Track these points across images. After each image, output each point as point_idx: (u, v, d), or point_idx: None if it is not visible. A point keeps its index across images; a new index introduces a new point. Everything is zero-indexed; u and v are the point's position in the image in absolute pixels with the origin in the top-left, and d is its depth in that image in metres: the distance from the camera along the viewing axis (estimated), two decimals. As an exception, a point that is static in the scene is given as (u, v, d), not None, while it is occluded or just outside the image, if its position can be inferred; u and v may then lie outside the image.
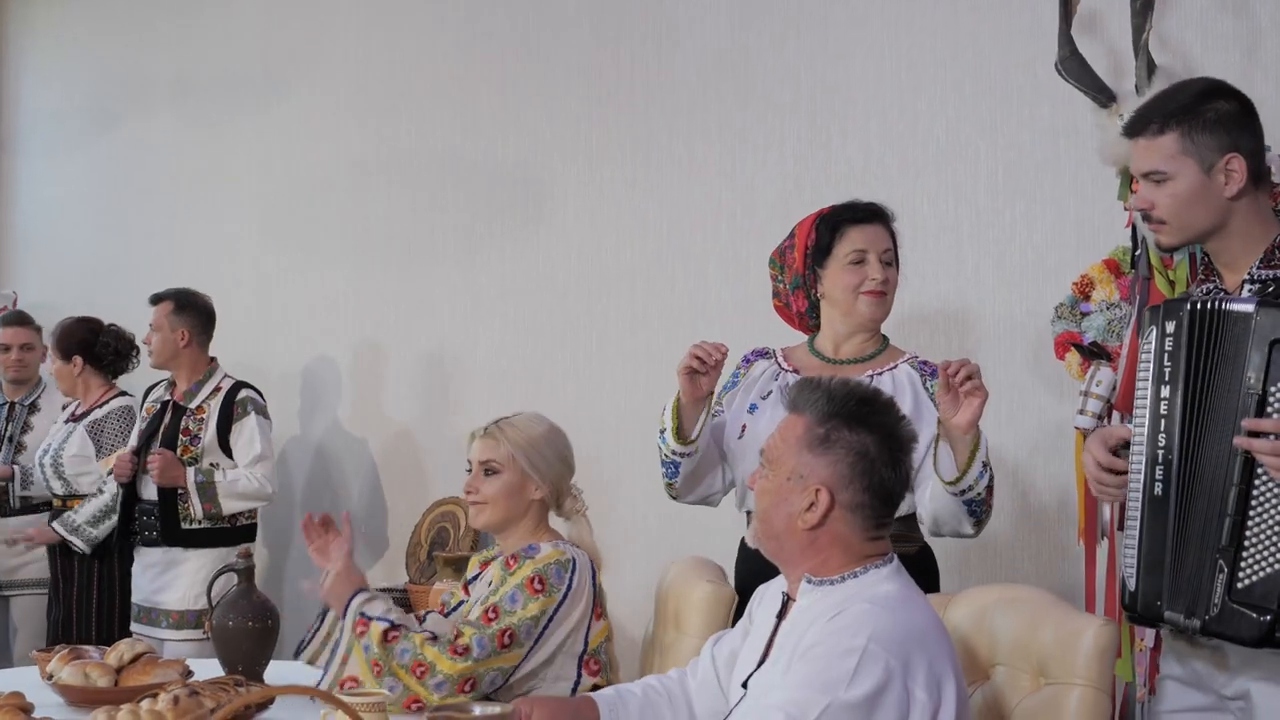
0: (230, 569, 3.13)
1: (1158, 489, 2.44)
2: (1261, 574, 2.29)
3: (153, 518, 4.73)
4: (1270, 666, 2.37)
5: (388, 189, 5.60)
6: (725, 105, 4.69)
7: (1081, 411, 3.38)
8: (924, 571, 3.03)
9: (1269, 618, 2.27)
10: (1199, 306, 2.41)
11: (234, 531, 4.77)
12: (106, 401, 5.19)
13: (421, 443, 5.48)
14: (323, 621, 3.00)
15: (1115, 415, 3.37)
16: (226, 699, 2.30)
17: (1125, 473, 2.54)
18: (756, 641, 2.31)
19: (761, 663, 2.25)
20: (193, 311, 4.85)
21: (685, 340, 4.69)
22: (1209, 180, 2.44)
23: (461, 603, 3.14)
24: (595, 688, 2.97)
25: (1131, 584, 2.48)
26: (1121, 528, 3.33)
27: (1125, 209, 3.39)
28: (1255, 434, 2.28)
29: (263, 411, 4.83)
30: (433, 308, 5.45)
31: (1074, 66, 3.36)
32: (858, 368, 3.12)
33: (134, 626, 4.80)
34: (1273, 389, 2.28)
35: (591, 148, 5.01)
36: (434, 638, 2.84)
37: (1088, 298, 3.58)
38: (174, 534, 4.70)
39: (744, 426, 3.16)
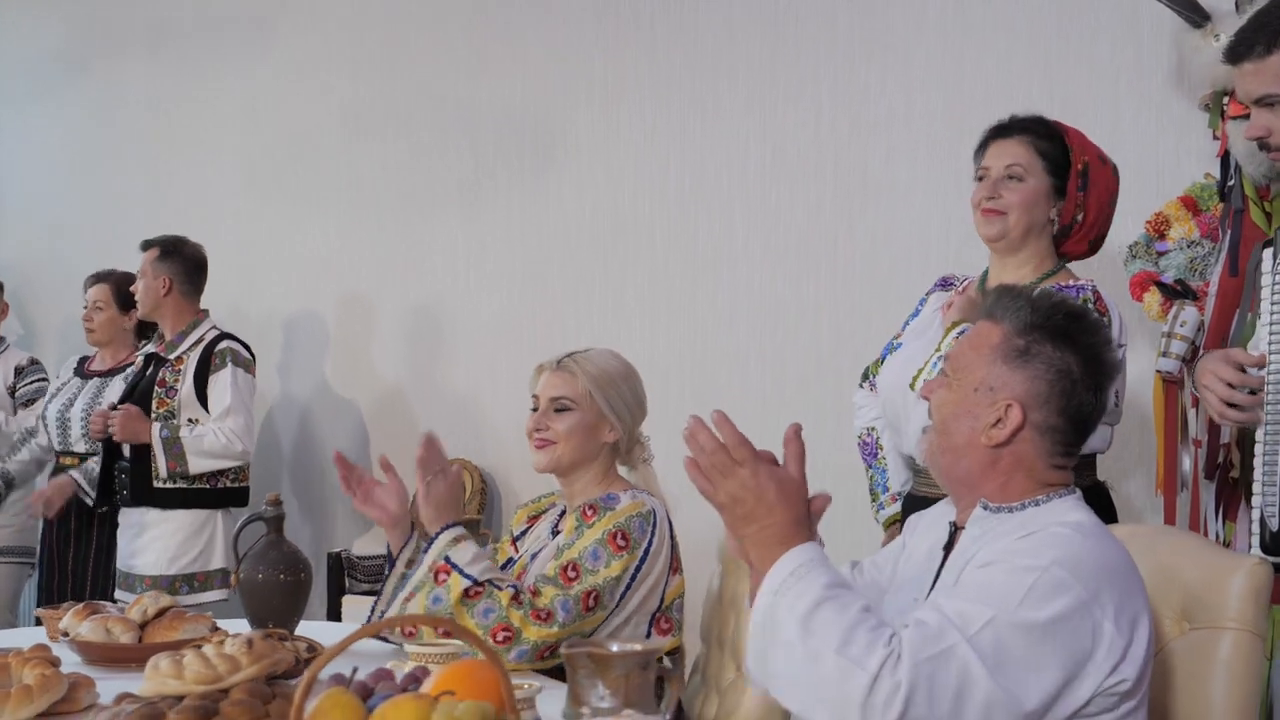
0: (258, 517, 2.86)
1: (1300, 415, 2.25)
2: None
3: (125, 476, 4.48)
4: None
5: (382, 136, 5.31)
6: (753, 43, 4.44)
7: (1164, 354, 3.17)
8: (1100, 509, 2.79)
9: None
10: None
11: (213, 494, 4.51)
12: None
13: (416, 403, 5.21)
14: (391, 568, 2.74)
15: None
16: (279, 651, 2.03)
17: (1259, 391, 2.34)
18: (917, 573, 2.09)
19: (929, 596, 2.02)
20: (178, 259, 4.60)
21: (710, 293, 4.51)
22: None
23: (511, 560, 2.88)
24: (670, 651, 2.74)
25: (1274, 523, 2.28)
26: (1210, 476, 3.15)
27: (1215, 137, 3.20)
28: None
29: (243, 364, 4.54)
30: (429, 261, 5.17)
31: (1168, -13, 3.16)
32: None
33: (117, 593, 4.53)
34: None
35: (606, 90, 4.75)
36: (517, 595, 2.58)
37: (1163, 236, 3.38)
38: (144, 493, 4.44)
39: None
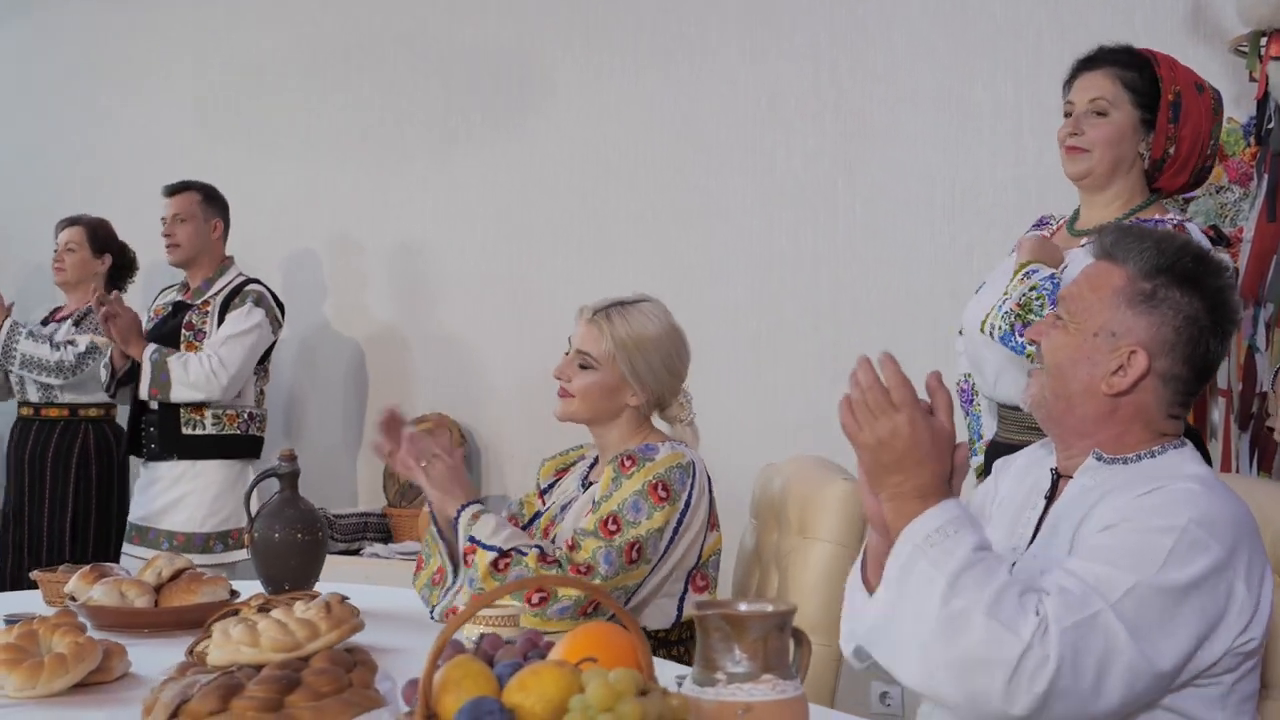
0: (272, 473, 2.67)
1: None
2: None
3: (154, 429, 4.33)
4: None
5: (347, 75, 5.09)
6: (748, -16, 4.30)
7: None
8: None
9: None
10: None
11: (245, 441, 4.40)
12: None
13: (402, 353, 5.01)
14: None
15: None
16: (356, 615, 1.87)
17: None
18: (1013, 519, 1.98)
19: (1030, 545, 1.91)
20: (221, 203, 4.52)
21: (700, 240, 4.36)
22: None
23: (539, 514, 2.73)
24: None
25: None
26: (1245, 427, 3.08)
27: (1252, 79, 3.10)
28: None
29: (265, 307, 4.37)
30: (401, 207, 4.97)
31: (1207, -79, 3.05)
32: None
33: (126, 548, 4.38)
34: None
35: (589, 28, 4.58)
36: (543, 554, 2.44)
37: (1191, 183, 3.29)
38: (173, 443, 4.30)
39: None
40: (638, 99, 4.48)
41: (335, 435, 5.06)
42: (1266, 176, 3.06)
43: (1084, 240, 2.41)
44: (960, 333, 2.94)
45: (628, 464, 2.53)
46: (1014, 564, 1.90)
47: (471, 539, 2.46)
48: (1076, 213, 2.81)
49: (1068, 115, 2.75)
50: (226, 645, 1.62)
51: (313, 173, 5.13)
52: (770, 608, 1.49)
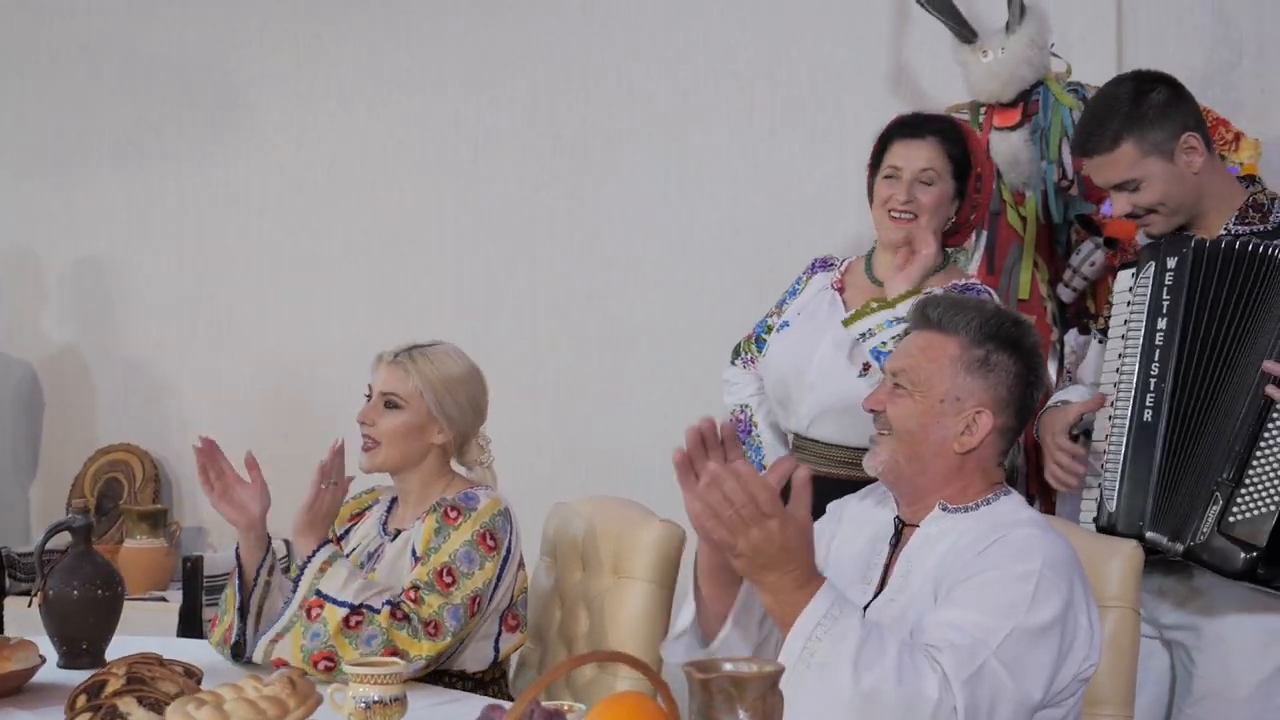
0: (65, 526, 2.53)
1: (1147, 415, 2.53)
2: (1255, 513, 2.42)
3: None
4: (1227, 603, 2.52)
5: (22, 83, 4.78)
6: (467, 14, 4.34)
7: (1067, 284, 3.39)
8: None
9: (1255, 554, 2.40)
10: (1209, 245, 2.48)
11: None
12: None
13: (80, 377, 4.74)
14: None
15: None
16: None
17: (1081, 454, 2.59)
18: (857, 562, 2.16)
19: (878, 593, 2.09)
20: None
21: (416, 267, 4.37)
22: (1176, 167, 2.56)
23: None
24: (517, 646, 2.67)
25: (1112, 504, 2.55)
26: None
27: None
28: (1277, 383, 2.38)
29: None
30: (85, 222, 4.71)
31: (940, 1, 3.35)
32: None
33: None
34: None
35: (299, 51, 4.50)
36: (394, 610, 2.44)
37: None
38: None
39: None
40: (348, 125, 4.45)
41: (4, 462, 4.73)
42: (985, 233, 3.40)
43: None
44: (734, 364, 3.10)
45: (453, 515, 2.56)
46: (866, 607, 2.09)
47: (319, 593, 2.43)
48: (871, 255, 2.99)
49: (887, 177, 2.88)
50: (190, 727, 1.56)
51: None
52: (769, 668, 1.59)
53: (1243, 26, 3.48)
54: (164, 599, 4.05)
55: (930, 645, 1.87)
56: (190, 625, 3.77)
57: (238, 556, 2.57)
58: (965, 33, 3.33)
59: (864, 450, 2.19)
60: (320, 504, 2.52)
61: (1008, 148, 3.29)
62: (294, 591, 2.47)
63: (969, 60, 3.32)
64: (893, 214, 2.85)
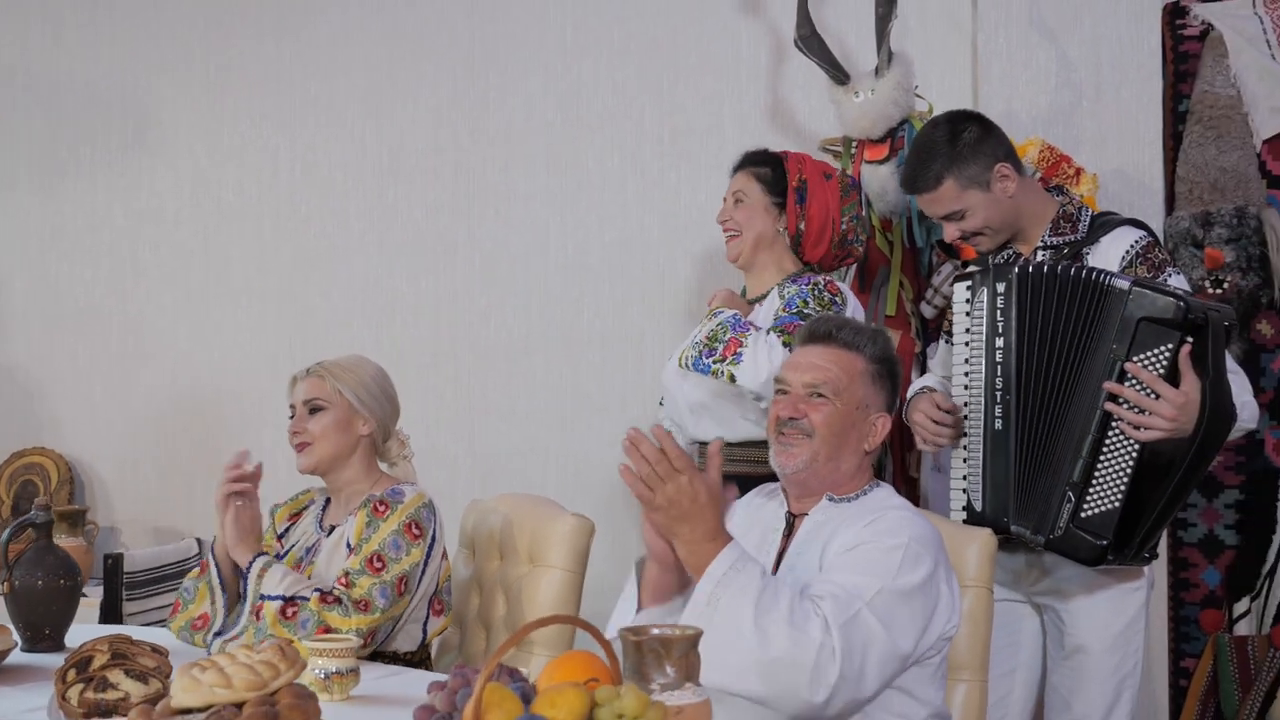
0: (28, 523, 2.76)
1: (997, 424, 2.86)
2: (1102, 509, 2.76)
3: None
4: (1085, 572, 2.89)
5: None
6: (372, 44, 4.60)
7: (929, 302, 3.75)
8: None
9: (1104, 543, 2.76)
10: (1032, 271, 2.83)
11: None
12: None
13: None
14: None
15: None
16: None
17: (952, 415, 2.94)
18: (756, 553, 2.46)
19: (775, 572, 2.42)
20: None
21: (323, 282, 4.61)
22: (993, 195, 2.96)
23: (280, 556, 2.98)
24: (443, 629, 2.95)
25: (979, 503, 2.88)
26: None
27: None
28: (1113, 397, 2.73)
29: None
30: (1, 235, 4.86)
31: (815, 44, 3.68)
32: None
33: None
34: (1138, 358, 2.72)
35: (209, 76, 4.72)
36: (323, 595, 2.71)
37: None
38: None
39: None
40: (258, 145, 4.67)
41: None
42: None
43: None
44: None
45: (381, 508, 2.84)
46: None
47: (262, 596, 2.71)
48: (744, 289, 3.40)
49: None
50: (196, 689, 1.82)
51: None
52: (690, 631, 1.90)
53: (1082, 72, 3.86)
54: (84, 594, 4.21)
55: (815, 596, 2.21)
56: (111, 617, 3.95)
57: (214, 553, 2.87)
58: (839, 75, 3.68)
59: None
60: (243, 518, 2.81)
61: (877, 180, 3.65)
62: (244, 600, 2.76)
63: (842, 100, 3.67)
64: (725, 233, 3.36)
